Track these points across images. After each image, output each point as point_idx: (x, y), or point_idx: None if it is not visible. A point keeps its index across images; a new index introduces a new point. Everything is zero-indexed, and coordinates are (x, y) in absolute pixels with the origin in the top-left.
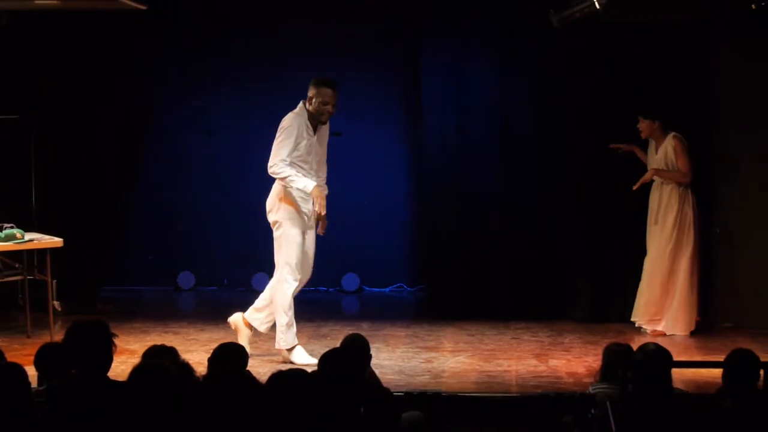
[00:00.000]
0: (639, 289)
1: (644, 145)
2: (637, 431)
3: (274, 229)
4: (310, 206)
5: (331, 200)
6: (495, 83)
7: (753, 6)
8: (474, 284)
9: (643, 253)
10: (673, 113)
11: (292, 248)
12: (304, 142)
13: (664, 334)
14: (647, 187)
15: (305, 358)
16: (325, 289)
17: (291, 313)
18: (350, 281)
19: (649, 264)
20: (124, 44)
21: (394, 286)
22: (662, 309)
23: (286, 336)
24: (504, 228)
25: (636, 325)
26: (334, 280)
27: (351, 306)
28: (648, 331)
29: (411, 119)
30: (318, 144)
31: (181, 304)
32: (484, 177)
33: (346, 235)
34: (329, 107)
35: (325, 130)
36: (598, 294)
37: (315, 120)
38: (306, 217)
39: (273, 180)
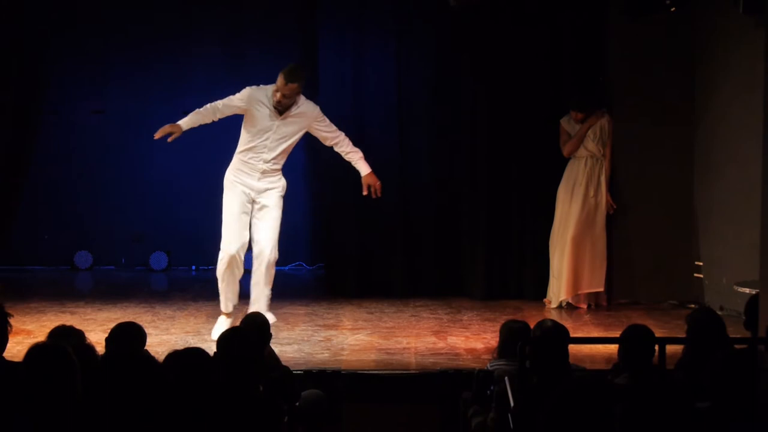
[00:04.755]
0: (579, 262)
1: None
2: (534, 407)
3: None
4: (252, 181)
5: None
6: (392, 63)
7: None
8: (372, 262)
9: (542, 230)
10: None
11: (223, 216)
12: (256, 113)
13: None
14: (545, 167)
15: (216, 330)
16: None
17: (221, 281)
18: (249, 259)
19: (600, 234)
20: (15, 20)
21: (293, 264)
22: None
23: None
24: (402, 206)
25: (567, 302)
26: None
27: (250, 284)
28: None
29: (311, 97)
30: (286, 128)
31: (78, 283)
32: (382, 156)
33: None
34: (278, 94)
35: (294, 121)
36: (496, 271)
37: (279, 106)
38: (245, 188)
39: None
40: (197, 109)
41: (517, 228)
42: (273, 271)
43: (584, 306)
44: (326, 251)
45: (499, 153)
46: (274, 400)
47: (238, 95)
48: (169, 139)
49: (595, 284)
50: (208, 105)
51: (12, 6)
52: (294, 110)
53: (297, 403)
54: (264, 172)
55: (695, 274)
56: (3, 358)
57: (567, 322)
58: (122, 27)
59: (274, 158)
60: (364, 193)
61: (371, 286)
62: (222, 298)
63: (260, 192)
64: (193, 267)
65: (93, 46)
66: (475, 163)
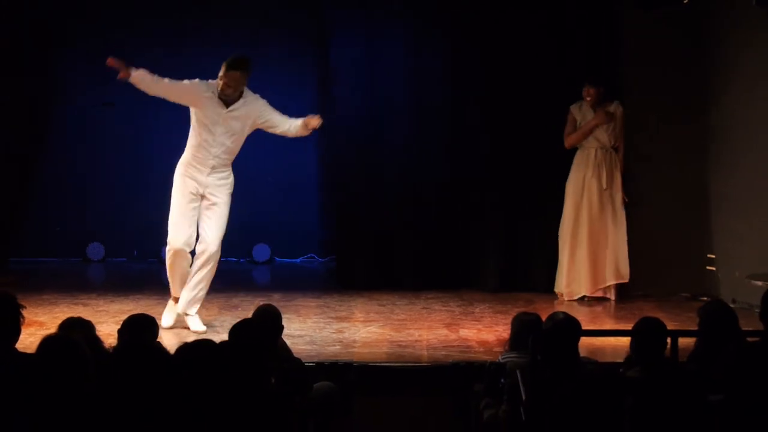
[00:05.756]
0: (599, 256)
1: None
2: (546, 399)
3: None
4: (201, 177)
5: (242, 171)
6: (405, 55)
7: None
8: (385, 255)
9: (553, 222)
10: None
11: (171, 210)
12: (204, 106)
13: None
14: (558, 160)
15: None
16: (235, 259)
17: (169, 271)
18: (261, 252)
19: (615, 226)
20: (30, 14)
21: (305, 256)
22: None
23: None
24: (414, 198)
25: (589, 295)
26: (245, 251)
27: (262, 276)
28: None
29: (321, 90)
30: (234, 123)
31: (90, 275)
32: (394, 148)
33: (257, 205)
34: (221, 82)
35: (240, 116)
36: (508, 264)
37: (222, 95)
38: (194, 182)
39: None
40: (150, 72)
41: (528, 220)
42: (215, 270)
43: (612, 297)
44: (338, 243)
45: (510, 146)
46: (286, 393)
47: (187, 81)
48: (119, 76)
49: (621, 275)
50: (160, 77)
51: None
52: (240, 104)
53: (308, 396)
54: (213, 168)
55: (708, 267)
56: (16, 349)
57: (579, 315)
58: (133, 20)
59: (222, 152)
60: (309, 128)
61: (383, 278)
62: (171, 283)
63: (208, 187)
64: None
65: (104, 39)
66: (487, 155)
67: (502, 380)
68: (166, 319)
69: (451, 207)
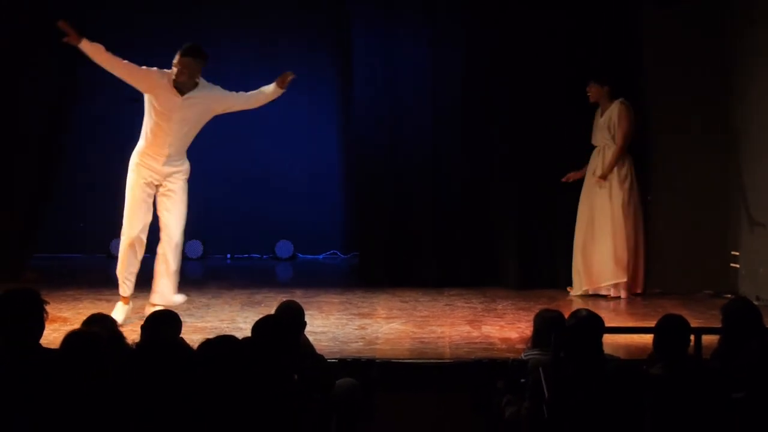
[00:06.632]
0: (591, 254)
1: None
2: (568, 397)
3: None
4: (157, 165)
5: (264, 168)
6: (424, 53)
7: None
8: (407, 251)
9: (575, 219)
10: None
11: (126, 199)
12: (159, 95)
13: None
14: (577, 156)
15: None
16: (258, 256)
17: (120, 263)
18: (284, 248)
19: (607, 225)
20: (49, 9)
21: (328, 253)
22: (630, 269)
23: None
24: (436, 195)
25: (589, 293)
26: (267, 247)
27: (285, 273)
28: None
29: (343, 88)
30: (190, 110)
31: (113, 271)
32: (415, 146)
33: (280, 202)
34: (175, 69)
35: (196, 103)
36: (531, 261)
37: (177, 83)
38: (150, 172)
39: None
40: (106, 50)
41: (550, 217)
42: (180, 253)
43: (623, 296)
44: (361, 240)
45: (531, 144)
46: (308, 389)
47: (145, 67)
48: (65, 39)
49: (620, 275)
50: (119, 57)
51: None
52: (195, 92)
53: (331, 392)
54: (169, 156)
55: (731, 264)
56: (40, 345)
57: (602, 312)
58: (154, 19)
59: (178, 140)
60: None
61: (405, 274)
62: (121, 280)
63: (165, 176)
64: (228, 255)
65: (123, 35)
66: (509, 152)
67: (525, 377)
68: (118, 314)
69: (474, 204)
